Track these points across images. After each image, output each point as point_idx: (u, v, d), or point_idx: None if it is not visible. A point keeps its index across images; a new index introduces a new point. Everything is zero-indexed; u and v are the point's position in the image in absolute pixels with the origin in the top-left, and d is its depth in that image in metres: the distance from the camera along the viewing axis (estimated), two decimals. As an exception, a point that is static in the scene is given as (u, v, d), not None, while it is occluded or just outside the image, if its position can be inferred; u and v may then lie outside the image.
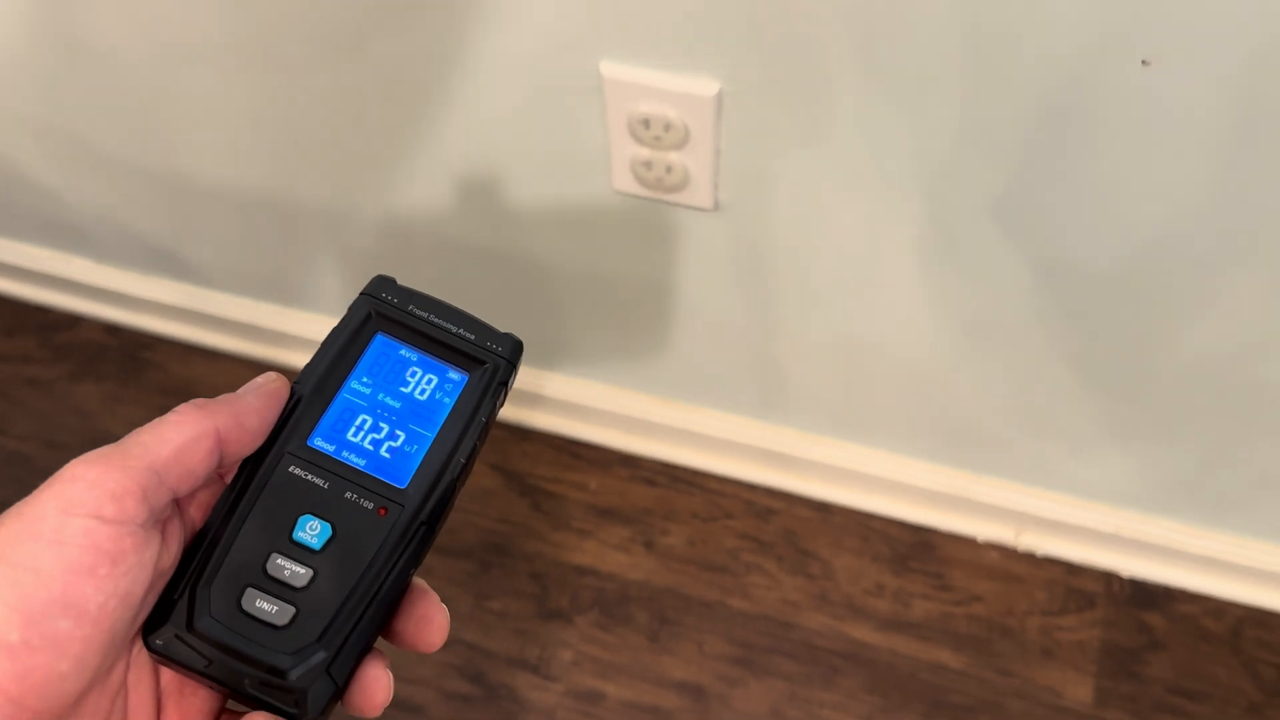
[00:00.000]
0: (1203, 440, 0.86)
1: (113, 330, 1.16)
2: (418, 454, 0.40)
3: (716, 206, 0.75)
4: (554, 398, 1.05)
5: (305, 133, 0.83)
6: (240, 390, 0.39)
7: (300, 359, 1.11)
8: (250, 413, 0.38)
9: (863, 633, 1.00)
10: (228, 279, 1.06)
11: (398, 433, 0.40)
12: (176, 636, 0.36)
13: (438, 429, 0.40)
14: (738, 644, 1.00)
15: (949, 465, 0.99)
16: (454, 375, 0.41)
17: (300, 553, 0.38)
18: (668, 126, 0.68)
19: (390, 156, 0.82)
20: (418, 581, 0.40)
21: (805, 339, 0.88)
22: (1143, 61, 0.56)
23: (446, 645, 0.98)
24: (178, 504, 0.38)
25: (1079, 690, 0.98)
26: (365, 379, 0.41)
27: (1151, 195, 0.65)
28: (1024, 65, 0.59)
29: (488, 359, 0.41)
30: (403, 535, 0.38)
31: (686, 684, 0.99)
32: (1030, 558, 1.03)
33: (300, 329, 1.07)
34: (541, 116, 0.73)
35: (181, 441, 0.36)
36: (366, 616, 0.37)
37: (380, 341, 0.41)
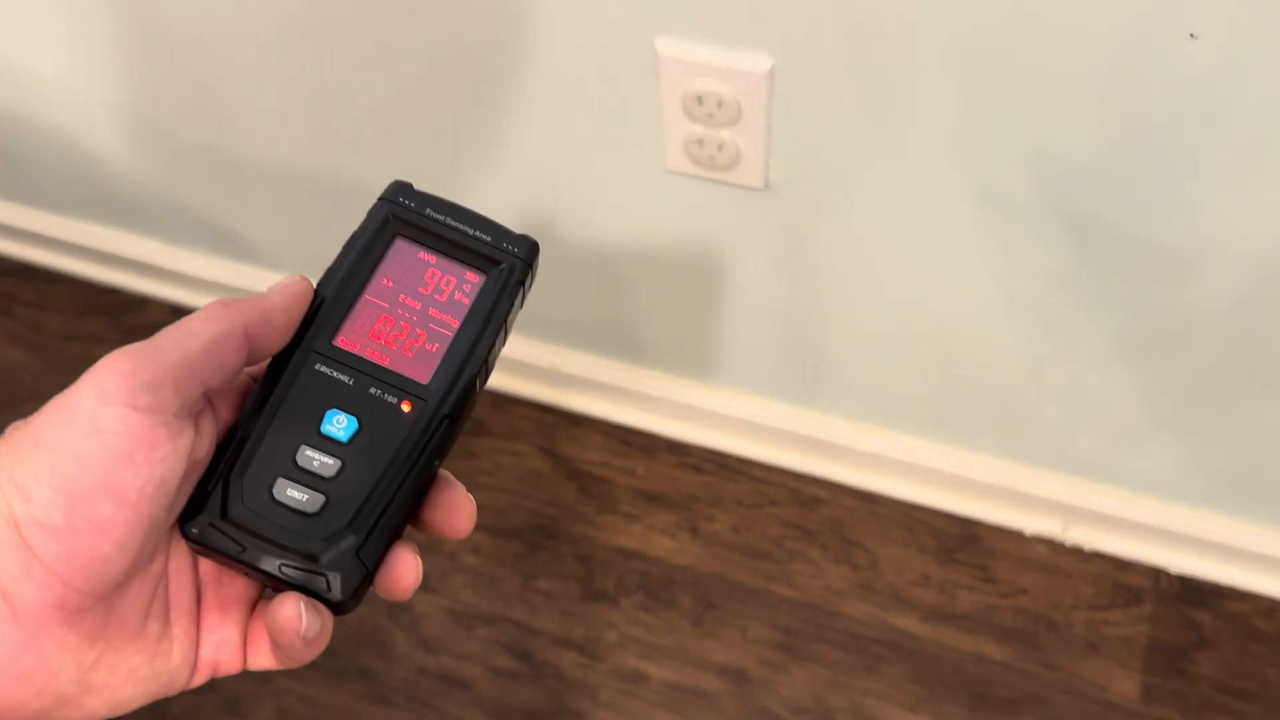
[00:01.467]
0: (1254, 434, 0.86)
1: (179, 311, 1.20)
2: (439, 351, 0.41)
3: (766, 186, 0.76)
4: (603, 383, 1.07)
5: (362, 115, 0.86)
6: (266, 290, 0.40)
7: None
8: (276, 311, 0.39)
9: (907, 623, 1.01)
10: (288, 260, 1.09)
11: (419, 331, 0.41)
12: (212, 525, 0.38)
13: (457, 327, 0.41)
14: (781, 630, 1.01)
15: (997, 456, 0.99)
16: (472, 276, 0.42)
17: (328, 445, 0.39)
18: (720, 103, 0.69)
19: (445, 138, 0.84)
20: (444, 473, 0.41)
21: (854, 324, 0.88)
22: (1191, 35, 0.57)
23: (493, 623, 1.00)
24: (210, 400, 0.39)
25: (1125, 686, 0.97)
26: (385, 280, 0.42)
27: (1225, 180, 0.65)
28: (1083, 37, 0.60)
29: (504, 259, 0.43)
30: (426, 428, 0.40)
31: (729, 668, 0.99)
32: (1078, 552, 1.02)
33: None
34: (596, 95, 0.74)
35: (211, 336, 0.37)
36: (394, 504, 0.39)
37: (399, 245, 0.42)
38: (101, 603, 0.35)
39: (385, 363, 0.41)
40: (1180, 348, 0.80)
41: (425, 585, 1.04)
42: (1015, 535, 1.03)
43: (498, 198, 0.88)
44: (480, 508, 1.06)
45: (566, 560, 1.05)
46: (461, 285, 0.42)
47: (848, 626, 1.01)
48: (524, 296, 0.43)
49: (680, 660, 1.00)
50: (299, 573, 0.38)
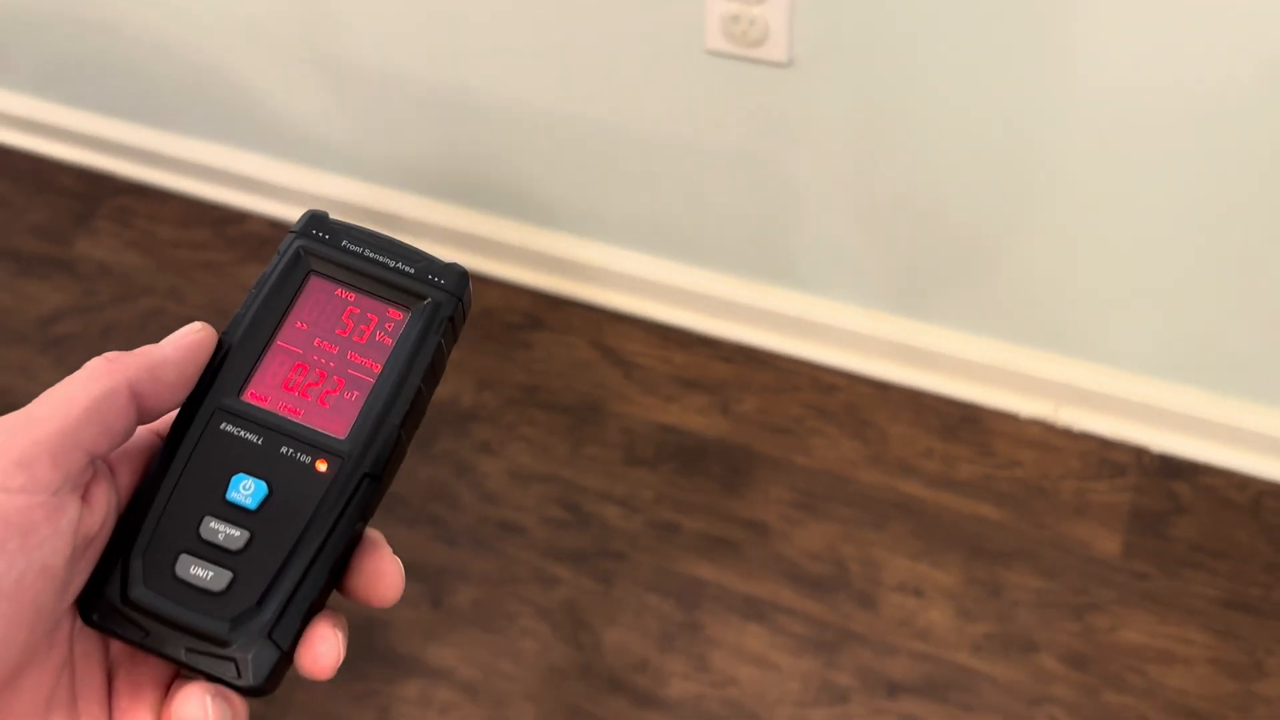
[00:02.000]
0: (1228, 303, 0.98)
1: (276, 225, 1.36)
2: (358, 400, 0.37)
3: (790, 62, 0.90)
4: (647, 279, 1.21)
5: (430, 23, 1.01)
6: (162, 341, 0.37)
7: (429, 249, 1.29)
8: (168, 365, 0.36)
9: (912, 488, 1.13)
10: (389, 173, 1.25)
11: (336, 379, 0.38)
12: (112, 608, 0.35)
13: (379, 372, 0.38)
14: (800, 492, 1.13)
15: (995, 337, 1.11)
16: (394, 313, 0.39)
17: (235, 514, 0.36)
18: (751, -20, 0.84)
19: (492, 34, 1.00)
20: (371, 533, 0.38)
21: (860, 200, 1.02)
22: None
23: (546, 480, 1.14)
24: (108, 465, 0.36)
25: (1108, 545, 1.09)
26: (299, 324, 0.38)
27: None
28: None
29: (429, 293, 0.39)
30: (344, 488, 0.36)
31: (753, 521, 1.12)
32: (1068, 432, 1.14)
33: (428, 216, 1.25)
34: (649, -15, 0.90)
35: (90, 399, 0.34)
36: (310, 577, 0.35)
37: (314, 282, 0.39)
38: None
39: (298, 417, 0.37)
40: (1155, 223, 0.93)
41: (488, 450, 1.18)
42: (1011, 418, 1.16)
43: (548, 94, 1.03)
44: (535, 389, 1.21)
45: (611, 432, 1.19)
46: (383, 325, 0.38)
47: (859, 490, 1.13)
48: (455, 332, 0.39)
49: (709, 514, 1.13)
50: (207, 658, 0.35)
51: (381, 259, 0.39)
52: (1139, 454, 1.13)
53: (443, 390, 1.22)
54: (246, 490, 0.36)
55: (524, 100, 1.06)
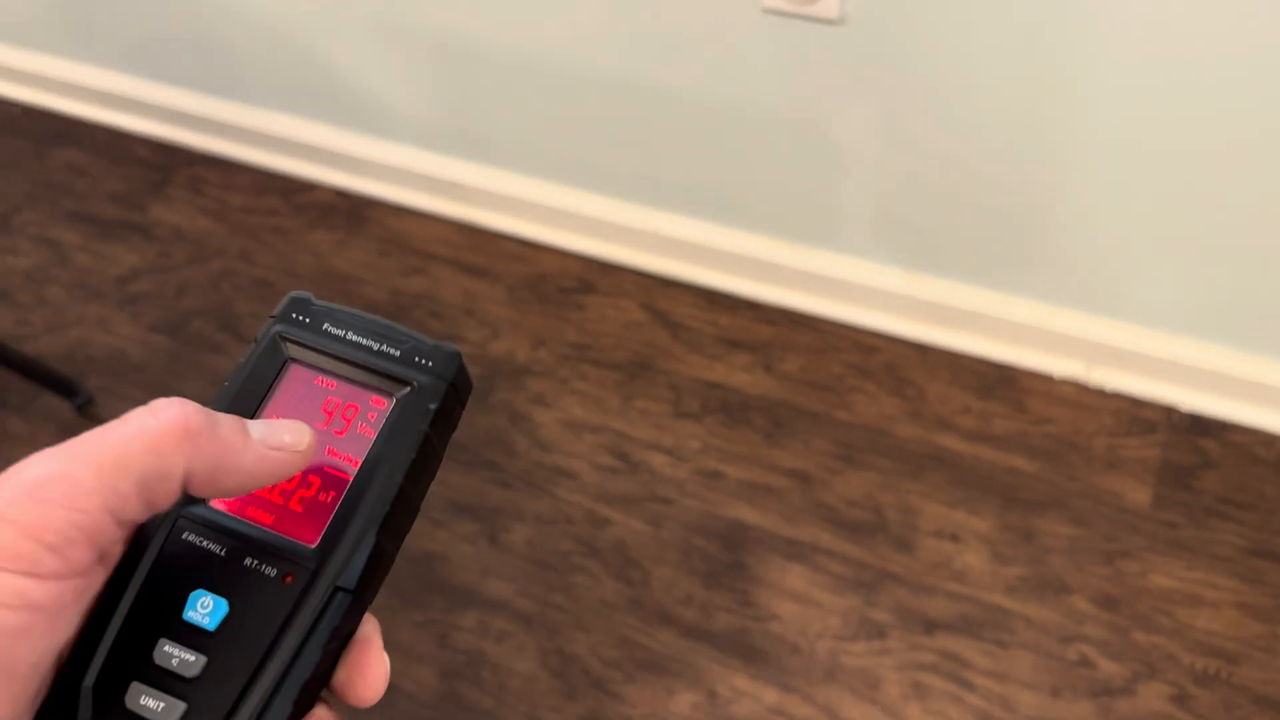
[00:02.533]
0: (1247, 258, 1.03)
1: (342, 194, 1.43)
2: (333, 503, 0.34)
3: (841, 20, 0.96)
4: (694, 243, 1.27)
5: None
6: (258, 433, 0.32)
7: (487, 217, 1.36)
8: (232, 474, 0.31)
9: (949, 441, 1.18)
10: (450, 141, 1.32)
11: (310, 479, 0.34)
12: None
13: (356, 470, 0.34)
14: (840, 444, 1.18)
15: (1029, 297, 1.16)
16: (378, 401, 0.35)
17: (192, 636, 0.32)
18: (805, -61, 0.90)
19: (555, 6, 1.06)
20: (364, 626, 0.34)
21: (917, 158, 1.08)
22: None
23: (597, 431, 1.20)
24: None
25: (1138, 495, 1.13)
26: (274, 416, 0.35)
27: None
28: None
29: (415, 380, 0.35)
30: (312, 604, 0.32)
31: (795, 470, 1.17)
32: (1100, 392, 1.19)
33: (486, 183, 1.32)
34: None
35: (144, 476, 0.29)
36: (273, 708, 0.31)
37: (292, 371, 0.36)
38: None
39: (268, 524, 0.33)
40: (1175, 178, 0.98)
41: (541, 402, 1.24)
42: (1045, 378, 1.20)
43: (606, 60, 1.09)
44: (587, 347, 1.27)
45: (659, 387, 1.24)
46: (365, 415, 0.35)
47: (897, 443, 1.18)
48: (449, 420, 0.36)
49: (752, 463, 1.18)
50: None
51: (365, 342, 0.36)
52: (1169, 412, 1.17)
53: (499, 346, 1.28)
54: (205, 608, 0.32)
55: (582, 66, 1.13)
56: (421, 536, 1.13)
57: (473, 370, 0.29)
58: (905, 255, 1.19)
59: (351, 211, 1.42)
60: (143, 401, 0.30)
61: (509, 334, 1.29)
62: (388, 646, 0.33)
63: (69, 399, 1.26)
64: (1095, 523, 1.11)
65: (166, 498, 0.30)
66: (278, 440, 0.32)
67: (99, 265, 1.41)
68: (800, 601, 1.09)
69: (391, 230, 1.40)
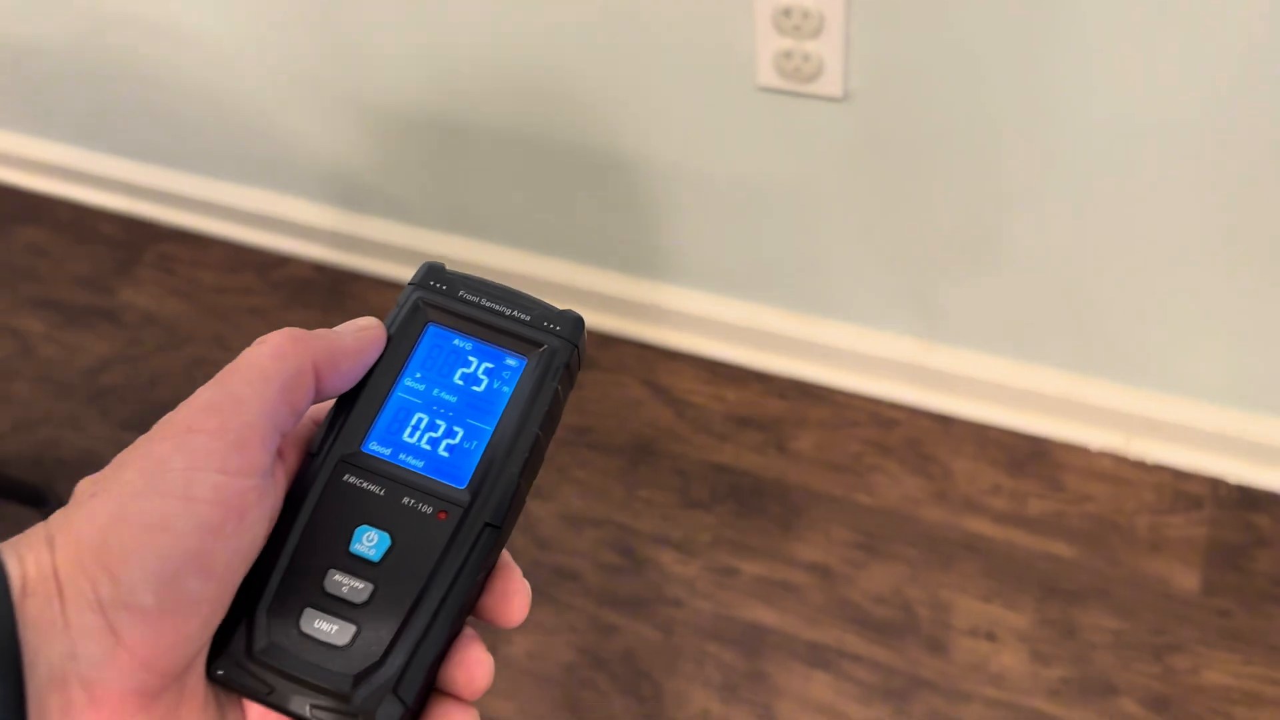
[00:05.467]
0: (1297, 328, 0.94)
1: (320, 268, 1.35)
2: (477, 450, 0.37)
3: (845, 96, 0.87)
4: (697, 315, 1.18)
5: (476, 62, 0.99)
6: (339, 328, 0.37)
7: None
8: (346, 354, 0.37)
9: (980, 526, 1.09)
10: (431, 214, 1.23)
11: (455, 429, 0.38)
12: (237, 664, 0.35)
13: (496, 421, 0.38)
14: (862, 533, 1.10)
15: (1062, 369, 1.08)
16: (511, 361, 0.39)
17: (359, 566, 0.36)
18: (806, 15, 0.82)
19: (546, 79, 0.98)
20: (503, 555, 0.38)
21: (929, 235, 0.99)
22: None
23: (600, 525, 1.11)
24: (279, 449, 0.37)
25: (1186, 580, 1.04)
26: (418, 374, 0.39)
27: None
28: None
29: (545, 340, 0.39)
30: (466, 538, 0.36)
31: (815, 564, 1.09)
32: (1141, 465, 1.10)
33: (475, 257, 1.23)
34: (693, 23, 0.87)
35: (283, 379, 0.34)
36: (434, 630, 0.35)
37: (432, 332, 0.39)
38: (174, 681, 0.32)
39: (420, 467, 0.37)
40: (1221, 246, 0.89)
41: (538, 494, 1.15)
42: (1081, 450, 1.12)
43: (598, 132, 1.01)
44: (587, 430, 1.18)
45: (665, 474, 1.16)
46: (500, 373, 0.39)
47: (924, 529, 1.10)
48: (571, 378, 0.40)
49: (769, 557, 1.10)
50: (330, 715, 0.34)
51: (498, 308, 0.39)
52: (1215, 485, 1.09)
53: (492, 434, 1.19)
54: (370, 542, 0.36)
55: (575, 139, 1.04)
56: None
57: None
58: (922, 326, 1.10)
59: (331, 287, 1.34)
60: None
61: (502, 418, 1.20)
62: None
63: (37, 508, 1.18)
64: (1141, 613, 1.03)
65: (304, 397, 0.35)
66: (360, 324, 0.38)
67: (66, 356, 1.32)
68: (827, 715, 1.00)
69: (374, 306, 1.31)
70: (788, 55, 0.85)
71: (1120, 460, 1.11)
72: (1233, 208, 0.86)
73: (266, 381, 0.34)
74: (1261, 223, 0.87)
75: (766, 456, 1.16)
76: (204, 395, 0.34)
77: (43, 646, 0.30)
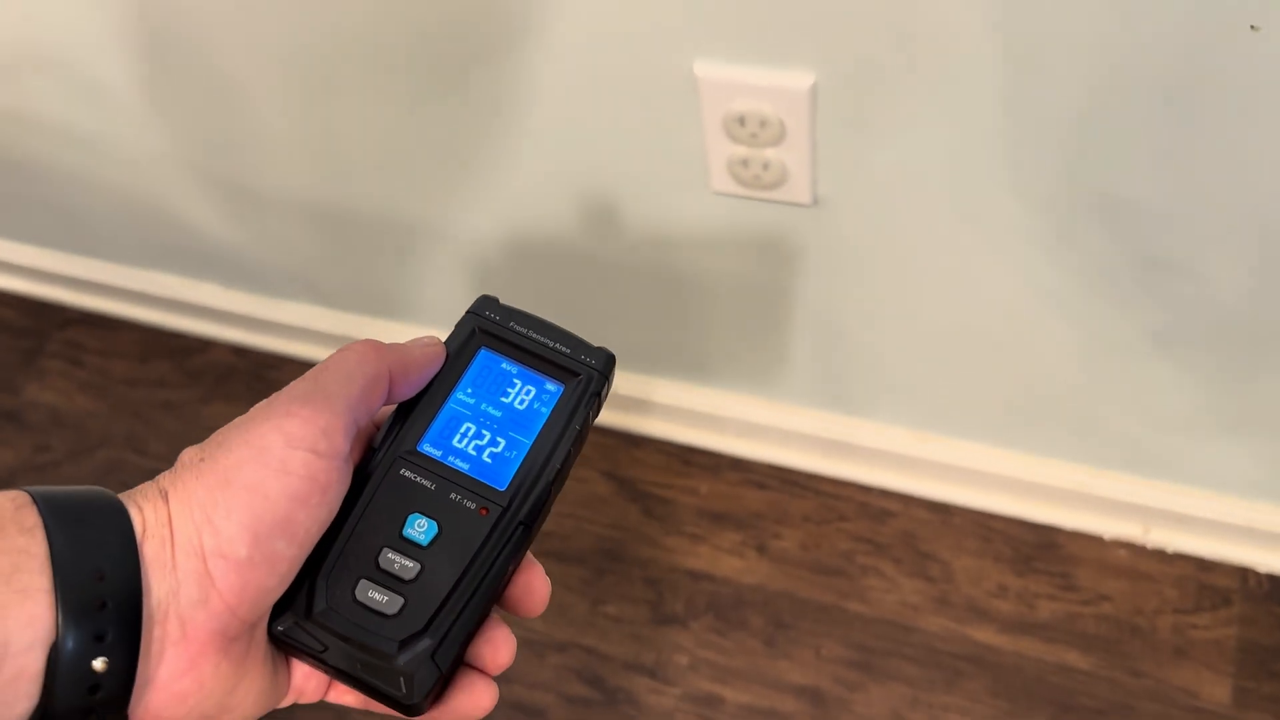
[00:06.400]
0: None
1: (240, 352, 1.21)
2: (516, 459, 0.43)
3: (815, 202, 0.74)
4: (662, 403, 1.06)
5: (408, 155, 0.86)
6: (407, 342, 0.43)
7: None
8: (415, 365, 0.42)
9: (986, 635, 0.98)
10: (347, 298, 1.10)
11: (498, 439, 0.43)
12: (296, 623, 0.39)
13: (534, 436, 0.43)
14: (856, 648, 0.99)
15: (1070, 460, 0.96)
16: (550, 387, 0.44)
17: (409, 548, 0.41)
18: (763, 123, 0.68)
19: (491, 175, 0.84)
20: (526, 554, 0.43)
21: (908, 331, 0.86)
22: (1251, 26, 0.54)
23: (564, 649, 0.99)
24: None
25: (1216, 691, 0.94)
26: (469, 390, 0.44)
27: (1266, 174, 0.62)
28: (1133, 44, 0.58)
29: (582, 371, 0.44)
30: (503, 533, 0.41)
31: (805, 688, 0.98)
32: (1160, 555, 0.99)
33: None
34: (638, 125, 0.74)
35: (365, 380, 0.40)
36: (470, 608, 0.40)
37: (484, 355, 0.44)
38: (249, 630, 0.38)
39: (466, 469, 0.42)
40: (1239, 351, 0.77)
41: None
42: (1094, 540, 1.00)
43: (549, 228, 0.87)
44: (546, 534, 1.05)
45: (634, 584, 1.05)
46: (541, 395, 0.44)
47: (925, 641, 0.99)
48: (599, 406, 0.45)
49: (754, 682, 0.98)
50: (375, 674, 0.39)
51: (542, 339, 0.45)
52: (1244, 576, 0.98)
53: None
54: (420, 528, 0.41)
55: (521, 231, 0.91)
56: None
57: None
58: (913, 417, 0.98)
59: (253, 373, 1.20)
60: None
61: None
62: None
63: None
64: (1169, 732, 0.93)
65: (380, 397, 0.41)
66: (425, 342, 0.44)
67: (-34, 468, 1.19)
68: None
69: (304, 395, 1.18)
70: (744, 163, 0.72)
71: (1138, 551, 1.00)
72: (1231, 317, 0.74)
73: (351, 381, 0.39)
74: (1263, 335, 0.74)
75: (746, 560, 1.04)
76: (299, 387, 0.39)
77: (154, 583, 0.35)
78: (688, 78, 0.68)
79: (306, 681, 0.42)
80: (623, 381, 1.06)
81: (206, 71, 0.85)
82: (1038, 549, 1.01)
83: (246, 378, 1.20)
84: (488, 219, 0.90)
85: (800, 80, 0.65)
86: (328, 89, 0.82)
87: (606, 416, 1.11)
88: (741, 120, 0.68)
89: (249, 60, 0.82)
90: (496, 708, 1.01)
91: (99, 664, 0.33)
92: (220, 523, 0.36)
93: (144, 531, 0.36)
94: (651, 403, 1.07)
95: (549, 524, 1.08)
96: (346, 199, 0.94)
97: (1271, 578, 0.97)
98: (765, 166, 0.71)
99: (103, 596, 0.34)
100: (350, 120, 0.84)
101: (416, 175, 0.88)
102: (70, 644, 0.33)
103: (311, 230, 1.00)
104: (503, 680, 1.01)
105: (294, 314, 1.14)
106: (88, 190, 1.06)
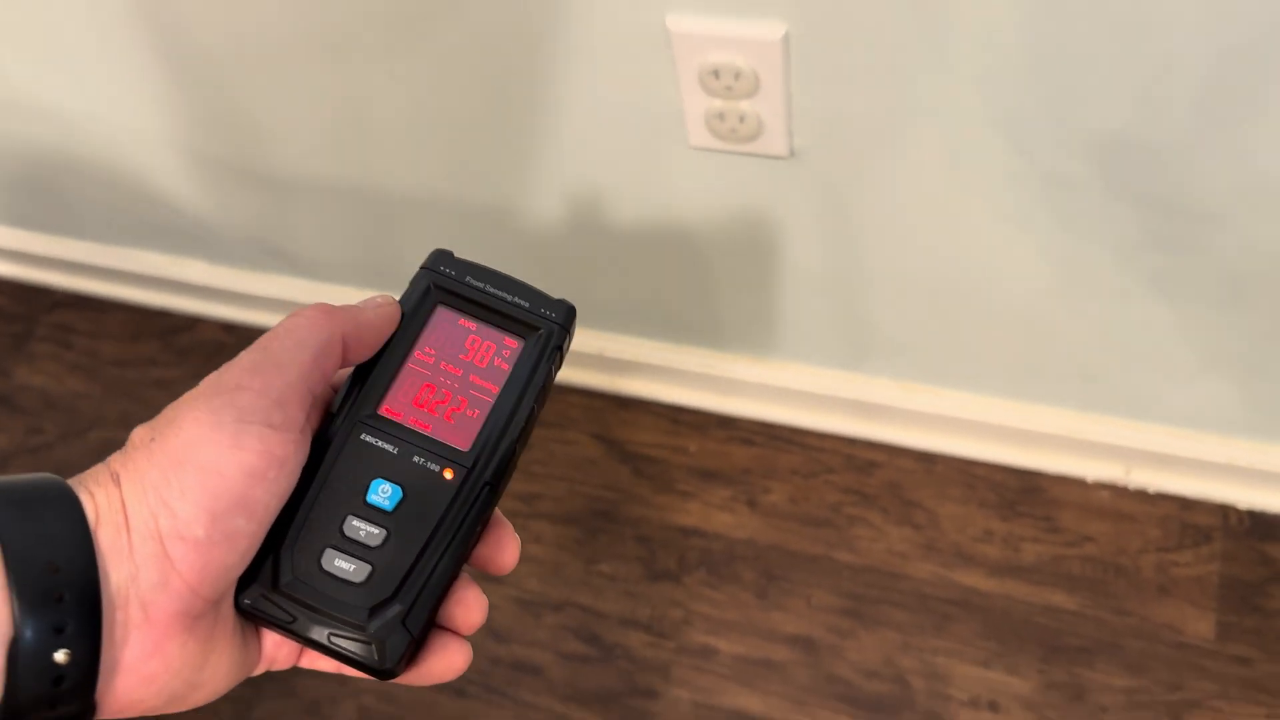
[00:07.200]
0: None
1: (230, 329, 1.22)
2: (479, 418, 0.42)
3: (792, 153, 0.75)
4: (649, 364, 1.07)
5: (387, 123, 0.86)
6: (360, 303, 0.42)
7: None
8: (370, 326, 0.41)
9: (974, 579, 1.00)
10: (334, 270, 1.11)
11: (460, 399, 0.42)
12: (264, 595, 0.39)
13: (497, 394, 0.42)
14: (846, 596, 1.01)
15: (1052, 405, 0.98)
16: (510, 341, 0.43)
17: (374, 514, 0.40)
18: (738, 75, 0.69)
19: (467, 140, 0.85)
20: (495, 512, 0.42)
21: (893, 282, 0.88)
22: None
23: (560, 609, 1.01)
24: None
25: (1200, 626, 0.96)
26: (428, 349, 0.43)
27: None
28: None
29: (542, 325, 0.43)
30: (469, 494, 0.41)
31: (798, 637, 1.00)
32: (1142, 495, 1.01)
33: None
34: (614, 80, 0.74)
35: (317, 346, 0.39)
36: (438, 570, 0.40)
37: (440, 312, 0.43)
38: (213, 607, 0.37)
39: (428, 430, 0.41)
40: (1219, 285, 0.78)
41: (489, 576, 1.05)
42: (1077, 483, 1.02)
43: (530, 191, 0.88)
44: (538, 497, 1.07)
45: (627, 542, 1.06)
46: (501, 351, 0.43)
47: (913, 587, 1.00)
48: (561, 359, 0.44)
49: (748, 633, 1.00)
50: (347, 641, 0.39)
51: (500, 293, 0.44)
52: (1225, 514, 1.00)
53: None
54: (384, 493, 0.40)
55: (501, 196, 0.92)
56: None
57: None
58: (897, 369, 0.99)
59: (242, 349, 1.21)
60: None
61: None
62: None
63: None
64: (1153, 667, 0.95)
65: (334, 363, 0.39)
66: (378, 302, 0.42)
67: (-40, 452, 1.20)
68: (821, 812, 0.92)
69: (294, 369, 1.19)
70: (720, 116, 0.73)
71: (1120, 492, 1.01)
72: (1211, 262, 0.75)
73: (303, 348, 0.38)
74: (1244, 268, 0.76)
75: (736, 515, 1.06)
76: (248, 358, 0.38)
77: (111, 570, 0.35)
78: (661, 31, 0.69)
79: (278, 650, 0.41)
80: (610, 343, 1.08)
81: (190, 46, 0.85)
82: (1021, 494, 1.03)
83: (236, 354, 1.21)
84: (466, 186, 0.91)
85: (772, 31, 0.66)
86: (290, 56, 0.83)
87: (593, 379, 1.12)
88: (716, 73, 0.69)
89: (227, 37, 0.82)
90: (496, 667, 1.03)
91: (61, 656, 0.33)
92: (176, 504, 0.35)
93: (97, 518, 0.35)
94: (639, 364, 1.08)
95: (540, 486, 1.10)
96: (331, 170, 0.95)
97: (1252, 514, 0.99)
98: (741, 119, 0.72)
99: (59, 589, 0.33)
100: (329, 93, 0.85)
101: (395, 145, 0.89)
102: (29, 638, 0.33)
103: (296, 203, 1.01)
104: (501, 640, 1.04)
105: (281, 288, 1.15)
106: (76, 171, 1.06)
